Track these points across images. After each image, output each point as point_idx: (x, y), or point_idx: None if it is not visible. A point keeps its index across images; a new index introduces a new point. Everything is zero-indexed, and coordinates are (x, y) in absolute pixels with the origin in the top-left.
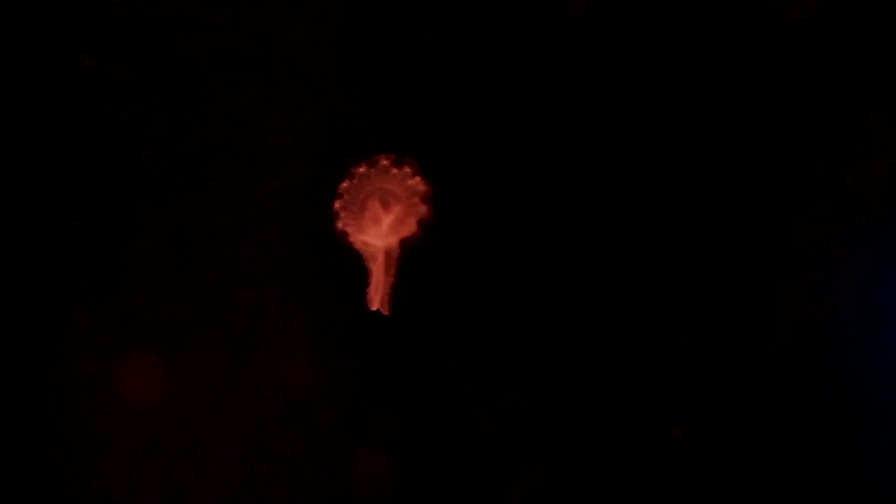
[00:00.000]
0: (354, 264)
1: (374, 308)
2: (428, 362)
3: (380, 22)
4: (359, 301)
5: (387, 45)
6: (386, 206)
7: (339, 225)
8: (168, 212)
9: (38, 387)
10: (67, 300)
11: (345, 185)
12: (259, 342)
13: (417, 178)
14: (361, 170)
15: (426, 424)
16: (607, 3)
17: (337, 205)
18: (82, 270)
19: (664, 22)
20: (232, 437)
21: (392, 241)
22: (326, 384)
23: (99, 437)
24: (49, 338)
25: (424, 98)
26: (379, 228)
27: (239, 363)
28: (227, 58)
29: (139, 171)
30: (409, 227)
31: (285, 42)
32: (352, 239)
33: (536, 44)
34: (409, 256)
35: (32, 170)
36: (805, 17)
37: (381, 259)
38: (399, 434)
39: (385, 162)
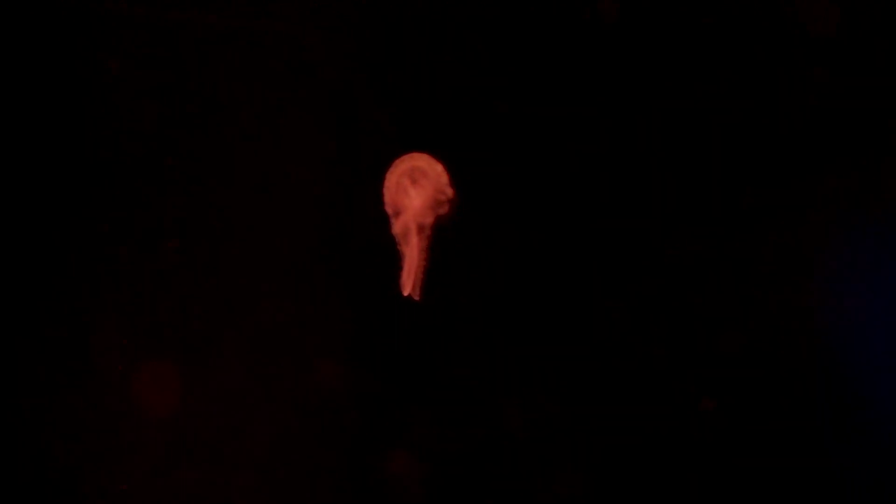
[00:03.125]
0: (382, 260)
1: (406, 293)
2: (457, 360)
3: (404, 21)
4: (387, 298)
5: (409, 46)
6: (415, 182)
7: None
8: (193, 215)
9: (66, 393)
10: (94, 305)
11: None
12: (287, 343)
13: (441, 167)
14: (391, 160)
15: (455, 426)
16: (633, 11)
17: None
18: (109, 275)
19: (689, 34)
20: (260, 441)
21: (426, 219)
22: (354, 385)
23: (127, 442)
24: (76, 343)
25: (449, 98)
26: (412, 204)
27: (267, 365)
28: (248, 59)
29: (163, 175)
30: (441, 209)
31: (307, 41)
32: (390, 221)
33: (559, 44)
34: (438, 245)
35: (58, 176)
36: (829, 31)
37: (414, 241)
38: (428, 436)
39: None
